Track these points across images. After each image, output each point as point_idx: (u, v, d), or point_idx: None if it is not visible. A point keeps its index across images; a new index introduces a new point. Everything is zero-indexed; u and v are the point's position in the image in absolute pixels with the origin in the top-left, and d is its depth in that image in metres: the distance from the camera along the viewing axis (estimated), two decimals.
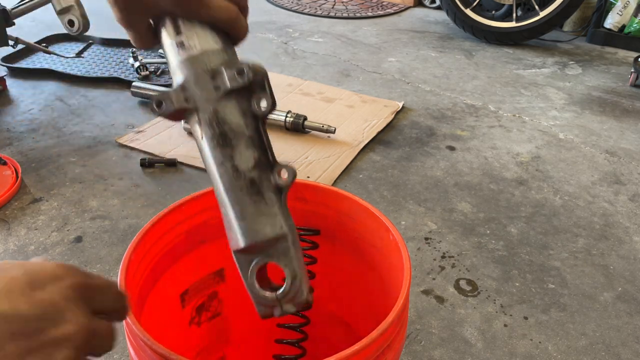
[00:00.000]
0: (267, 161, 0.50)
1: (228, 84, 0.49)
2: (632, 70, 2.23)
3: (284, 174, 0.50)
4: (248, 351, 0.88)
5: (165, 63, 2.21)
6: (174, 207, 0.68)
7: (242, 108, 0.50)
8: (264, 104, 0.51)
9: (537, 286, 1.22)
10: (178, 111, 0.49)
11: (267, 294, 0.50)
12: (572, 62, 2.48)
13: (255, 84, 0.51)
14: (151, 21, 0.48)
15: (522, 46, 2.62)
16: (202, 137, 0.49)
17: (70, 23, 1.81)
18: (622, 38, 2.63)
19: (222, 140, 0.48)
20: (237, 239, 0.49)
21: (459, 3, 2.59)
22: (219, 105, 0.49)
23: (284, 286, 0.49)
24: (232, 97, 0.49)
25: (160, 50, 2.33)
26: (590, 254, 1.32)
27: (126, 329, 0.53)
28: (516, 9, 2.55)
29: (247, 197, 0.49)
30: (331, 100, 2.02)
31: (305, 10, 3.07)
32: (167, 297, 0.70)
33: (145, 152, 1.65)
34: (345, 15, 3.04)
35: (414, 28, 2.88)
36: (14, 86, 2.03)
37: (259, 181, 0.49)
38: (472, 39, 2.69)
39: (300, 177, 1.66)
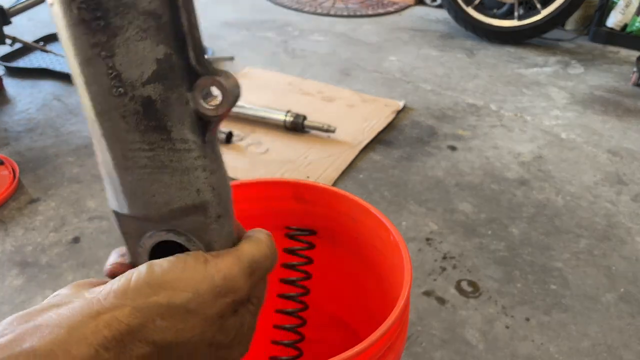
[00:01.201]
0: (183, 66, 0.29)
1: None
2: (635, 69, 2.22)
3: (214, 94, 0.30)
4: (247, 352, 0.87)
5: None
6: None
7: None
8: None
9: (539, 287, 1.21)
10: None
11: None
12: (574, 61, 2.47)
13: None
14: None
15: (524, 45, 2.61)
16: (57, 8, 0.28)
17: None
18: (624, 37, 2.62)
19: (92, 14, 0.27)
20: (116, 201, 0.33)
21: (460, 1, 2.58)
22: None
23: None
24: None
25: None
26: (592, 255, 1.31)
27: None
28: (518, 7, 2.54)
29: (136, 134, 0.30)
30: (331, 100, 2.01)
31: (305, 9, 3.06)
32: None
33: None
34: (345, 13, 3.03)
35: (415, 27, 2.86)
36: (11, 85, 2.02)
37: (160, 104, 0.29)
38: (474, 37, 2.68)
39: (300, 177, 1.66)
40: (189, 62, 0.29)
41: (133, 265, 0.36)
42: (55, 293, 0.33)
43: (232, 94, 0.30)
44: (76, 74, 0.29)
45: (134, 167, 0.31)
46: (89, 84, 0.29)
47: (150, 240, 0.34)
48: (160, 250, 0.35)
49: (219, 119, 0.31)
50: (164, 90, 0.29)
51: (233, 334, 0.34)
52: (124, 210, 0.33)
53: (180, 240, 0.34)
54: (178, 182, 0.32)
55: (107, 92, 0.29)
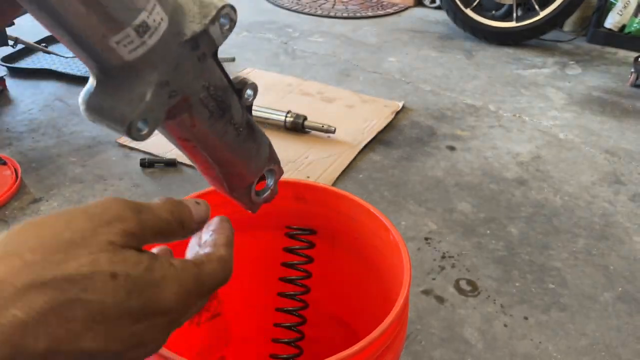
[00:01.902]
0: (236, 91, 0.44)
1: (217, 40, 0.37)
2: (632, 70, 2.23)
3: (247, 93, 0.45)
4: (247, 351, 0.88)
5: None
6: None
7: (215, 57, 0.39)
8: (225, 24, 0.38)
9: (537, 286, 1.22)
10: (168, 115, 0.37)
11: (263, 196, 0.53)
12: (572, 62, 2.48)
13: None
14: None
15: (523, 46, 2.62)
16: (192, 125, 0.40)
17: None
18: (622, 38, 2.63)
19: (221, 110, 0.41)
20: (246, 178, 0.49)
21: (459, 3, 2.59)
22: (207, 74, 0.39)
23: (271, 185, 0.53)
24: (209, 57, 0.38)
25: None
26: (591, 254, 1.32)
27: None
28: (516, 9, 2.55)
29: (251, 143, 0.47)
30: (331, 100, 2.01)
31: (305, 10, 3.07)
32: None
33: (145, 152, 1.65)
34: (345, 15, 3.04)
35: (414, 28, 2.87)
36: (13, 86, 2.03)
37: (249, 120, 0.46)
38: (473, 39, 2.69)
39: (300, 177, 1.67)
40: (234, 87, 0.43)
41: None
42: None
43: (257, 88, 0.46)
44: (215, 146, 0.43)
45: (253, 157, 0.48)
46: (226, 143, 0.43)
47: (256, 180, 0.51)
48: None
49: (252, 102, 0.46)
50: (245, 113, 0.45)
51: (148, 270, 0.28)
52: (248, 183, 0.49)
53: (269, 167, 0.51)
54: (263, 143, 0.49)
55: (236, 136, 0.44)
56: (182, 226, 0.34)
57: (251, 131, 0.47)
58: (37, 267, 0.25)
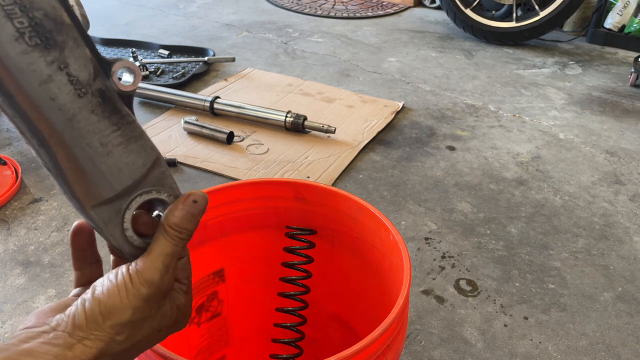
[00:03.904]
0: (99, 60, 0.36)
1: None
2: (632, 70, 2.23)
3: (122, 75, 0.37)
4: (248, 351, 0.88)
5: (165, 63, 2.20)
6: None
7: None
8: None
9: (537, 286, 1.22)
10: None
11: (146, 240, 0.41)
12: (572, 62, 2.48)
13: None
14: None
15: (522, 46, 2.62)
16: None
17: None
18: (622, 38, 2.63)
19: (41, 39, 0.32)
20: (104, 184, 0.37)
21: (459, 3, 2.59)
22: None
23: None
24: None
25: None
26: (590, 254, 1.32)
27: None
28: (516, 9, 2.55)
29: (106, 120, 0.36)
30: (331, 100, 2.02)
31: (305, 10, 3.07)
32: None
33: None
34: (345, 15, 3.04)
35: (414, 28, 2.87)
36: None
37: (107, 92, 0.36)
38: (472, 39, 2.69)
39: (300, 177, 1.66)
40: (99, 56, 0.36)
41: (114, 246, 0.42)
42: (25, 325, 0.39)
43: (140, 71, 0.38)
44: (35, 97, 0.33)
45: (113, 148, 0.37)
46: (54, 98, 0.33)
47: (134, 205, 0.40)
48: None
49: (134, 93, 0.38)
50: (103, 81, 0.36)
51: (175, 314, 0.43)
52: (110, 193, 0.38)
53: (159, 196, 0.41)
54: (142, 146, 0.39)
55: (74, 97, 0.34)
56: (190, 236, 0.43)
57: (110, 109, 0.36)
58: (123, 343, 0.40)
